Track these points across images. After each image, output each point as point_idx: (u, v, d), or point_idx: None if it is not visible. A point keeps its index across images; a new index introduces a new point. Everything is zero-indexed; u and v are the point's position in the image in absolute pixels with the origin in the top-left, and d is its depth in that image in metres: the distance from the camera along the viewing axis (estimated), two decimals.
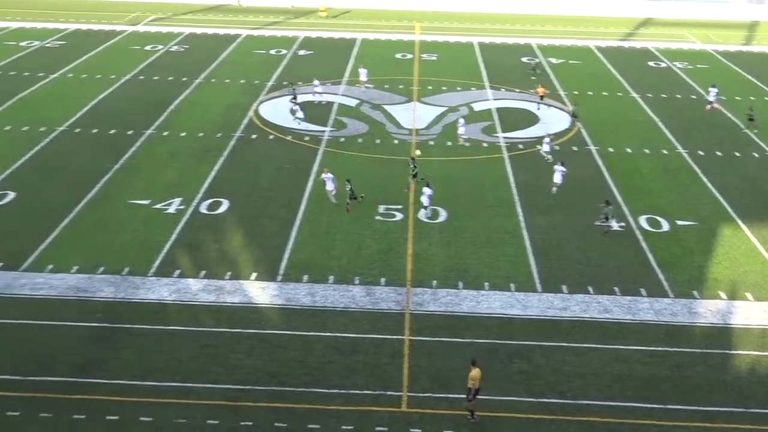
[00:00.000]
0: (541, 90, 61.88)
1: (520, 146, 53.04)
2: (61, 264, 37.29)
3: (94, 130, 54.23)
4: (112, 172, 47.70)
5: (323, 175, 43.86)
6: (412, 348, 31.99)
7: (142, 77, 66.92)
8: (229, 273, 36.99)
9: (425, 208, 42.88)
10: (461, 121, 54.71)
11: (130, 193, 44.87)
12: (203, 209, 43.26)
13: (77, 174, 47.09)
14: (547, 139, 51.50)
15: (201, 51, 75.79)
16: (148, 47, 76.80)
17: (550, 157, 50.44)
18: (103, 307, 34.17)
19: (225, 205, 43.79)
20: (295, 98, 58.55)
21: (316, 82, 62.96)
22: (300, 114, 56.23)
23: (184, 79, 66.48)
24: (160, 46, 77.26)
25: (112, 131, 54.12)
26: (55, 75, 66.77)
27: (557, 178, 45.65)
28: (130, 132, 54.01)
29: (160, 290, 35.45)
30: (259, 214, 42.75)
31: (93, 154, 50.26)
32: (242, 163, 49.50)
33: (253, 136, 53.94)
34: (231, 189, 45.66)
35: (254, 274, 36.92)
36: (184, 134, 54.00)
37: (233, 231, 40.95)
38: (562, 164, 46.04)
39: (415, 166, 46.65)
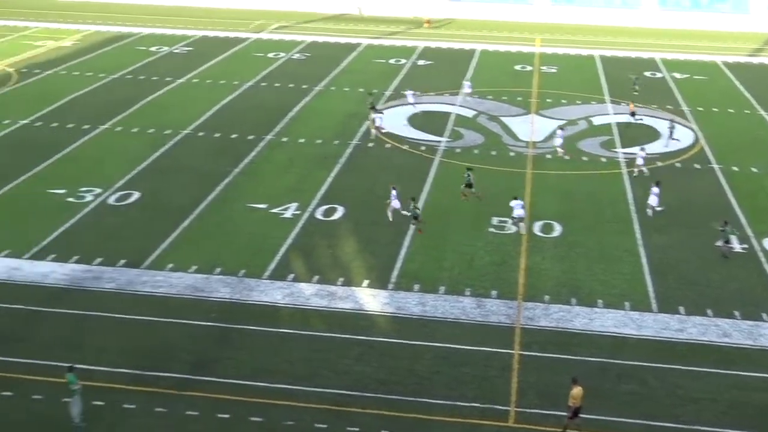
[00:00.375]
0: (631, 106, 60.61)
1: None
2: (180, 263, 38.36)
3: (217, 134, 55.65)
4: (232, 175, 48.84)
5: (392, 192, 43.02)
6: (522, 363, 31.65)
7: (264, 84, 68.35)
8: (341, 279, 37.36)
9: (519, 220, 42.19)
10: (559, 132, 54.07)
11: (249, 196, 45.83)
12: (319, 215, 43.84)
13: (199, 176, 48.40)
14: (642, 154, 50.41)
15: (322, 59, 76.93)
16: (270, 54, 78.43)
17: (645, 170, 49.45)
18: (219, 307, 34.99)
19: (340, 211, 44.26)
20: (374, 108, 58.56)
21: (409, 92, 62.93)
22: (379, 122, 56.02)
23: (305, 86, 67.57)
24: (283, 54, 78.79)
25: (234, 135, 55.44)
26: (181, 80, 68.86)
27: (652, 200, 44.28)
28: (250, 137, 55.22)
29: (273, 293, 36.07)
30: (373, 221, 43.04)
31: (214, 157, 51.60)
32: (358, 171, 49.98)
33: (370, 145, 54.38)
34: (347, 196, 46.13)
35: (366, 281, 37.19)
36: (302, 141, 54.88)
37: (347, 237, 41.36)
38: (657, 185, 44.63)
39: (469, 176, 45.97)
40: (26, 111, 59.48)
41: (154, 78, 69.11)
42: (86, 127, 56.52)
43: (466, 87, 65.66)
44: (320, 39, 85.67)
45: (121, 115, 59.04)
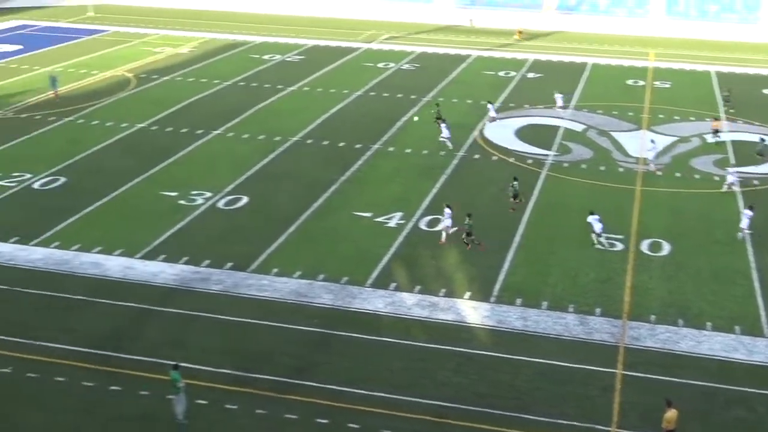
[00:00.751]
0: (715, 123, 58.71)
1: (755, 182, 50.29)
2: (285, 268, 38.92)
3: (325, 142, 56.31)
4: (338, 183, 49.34)
5: (445, 210, 42.23)
6: (624, 383, 30.98)
7: (372, 93, 68.87)
8: (443, 290, 37.29)
9: (599, 235, 41.48)
10: (651, 144, 52.86)
11: (354, 204, 46.20)
12: (423, 225, 43.87)
13: (306, 183, 49.05)
14: (732, 171, 48.96)
15: (431, 70, 77.06)
16: (380, 64, 78.99)
17: (734, 189, 48.21)
18: (321, 313, 35.34)
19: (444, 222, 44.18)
20: (440, 118, 58.17)
21: (491, 106, 62.33)
22: (446, 133, 55.61)
23: (413, 96, 67.78)
24: (392, 64, 79.25)
25: (341, 144, 56.01)
26: (292, 88, 69.93)
27: (744, 223, 42.61)
28: (358, 146, 55.68)
29: (375, 301, 36.24)
30: (476, 233, 42.82)
31: (322, 164, 52.22)
32: (464, 183, 49.84)
33: (476, 156, 54.19)
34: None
35: (468, 293, 37.02)
36: (408, 151, 55.04)
37: (450, 248, 41.24)
38: (751, 209, 42.97)
39: (514, 186, 45.84)
40: (143, 115, 61.38)
41: (266, 85, 70.40)
42: (199, 132, 57.96)
43: (558, 99, 64.89)
44: (430, 50, 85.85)
45: (233, 121, 60.33)
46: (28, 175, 49.55)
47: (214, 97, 66.90)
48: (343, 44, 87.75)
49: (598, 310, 35.79)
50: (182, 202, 46.13)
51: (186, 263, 39.30)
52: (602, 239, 41.72)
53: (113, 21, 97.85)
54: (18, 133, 57.08)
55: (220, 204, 46.19)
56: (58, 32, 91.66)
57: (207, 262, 39.42)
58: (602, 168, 52.53)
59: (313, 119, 61.20)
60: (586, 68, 79.24)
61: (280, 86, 70.19)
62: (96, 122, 59.76)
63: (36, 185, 48.35)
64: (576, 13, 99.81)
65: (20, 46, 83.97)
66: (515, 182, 46.41)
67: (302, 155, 54.08)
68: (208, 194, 47.28)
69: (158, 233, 42.30)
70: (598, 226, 41.42)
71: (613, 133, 59.45)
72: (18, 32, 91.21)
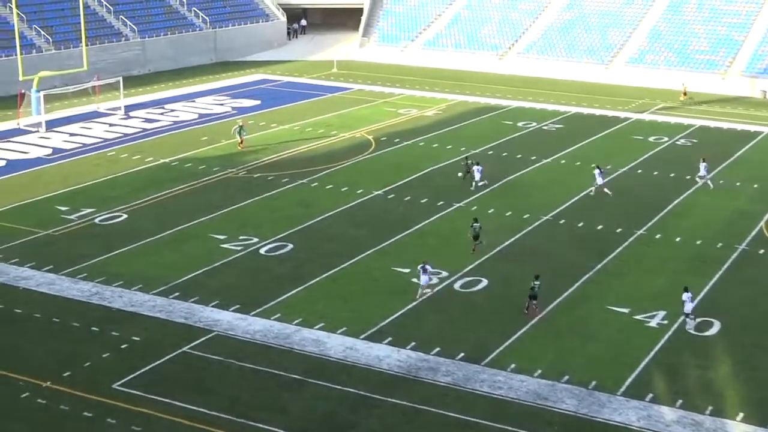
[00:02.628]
0: None
1: None
2: (524, 364, 38.50)
3: (580, 224, 55.66)
4: (593, 271, 48.51)
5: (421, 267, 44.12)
6: None
7: (640, 171, 67.62)
8: (710, 407, 35.52)
9: (687, 315, 40.96)
10: None
11: (610, 297, 45.21)
12: (690, 328, 42.19)
13: (556, 268, 48.54)
14: None
15: (711, 146, 74.67)
16: (651, 138, 77.58)
17: None
18: (562, 419, 34.57)
19: (716, 326, 42.29)
20: (470, 168, 60.70)
21: (597, 172, 60.44)
22: (477, 176, 60.62)
23: (688, 177, 65.87)
24: (666, 138, 77.62)
25: (599, 227, 55.16)
26: (547, 160, 69.91)
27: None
28: (618, 230, 54.64)
29: (627, 413, 35.05)
30: (755, 343, 40.70)
31: (575, 248, 51.63)
32: (743, 281, 47.64)
33: (761, 251, 51.73)
34: (726, 309, 44.03)
35: (741, 414, 35.06)
36: (678, 239, 53.40)
37: (722, 358, 39.37)
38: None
39: (473, 226, 50.07)
40: (380, 181, 63.28)
41: (518, 156, 70.81)
42: (440, 203, 58.95)
43: (702, 169, 62.97)
44: (711, 123, 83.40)
45: (477, 195, 60.85)
46: (255, 239, 52.23)
47: (459, 165, 67.95)
48: (609, 113, 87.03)
49: None
50: (415, 280, 46.86)
51: (413, 349, 39.77)
52: (689, 319, 41.23)
53: (357, 78, 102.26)
54: (248, 193, 60.47)
55: (457, 285, 46.58)
56: (299, 88, 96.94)
57: (437, 349, 39.70)
58: None
59: (569, 197, 60.74)
60: None
61: (533, 157, 70.37)
62: (330, 186, 62.26)
63: (262, 250, 50.82)
64: None
65: (258, 102, 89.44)
66: (476, 224, 50.34)
67: (553, 236, 53.72)
68: (445, 273, 47.81)
69: (386, 313, 43.15)
70: (688, 306, 41.14)
71: None
72: (258, 87, 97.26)
